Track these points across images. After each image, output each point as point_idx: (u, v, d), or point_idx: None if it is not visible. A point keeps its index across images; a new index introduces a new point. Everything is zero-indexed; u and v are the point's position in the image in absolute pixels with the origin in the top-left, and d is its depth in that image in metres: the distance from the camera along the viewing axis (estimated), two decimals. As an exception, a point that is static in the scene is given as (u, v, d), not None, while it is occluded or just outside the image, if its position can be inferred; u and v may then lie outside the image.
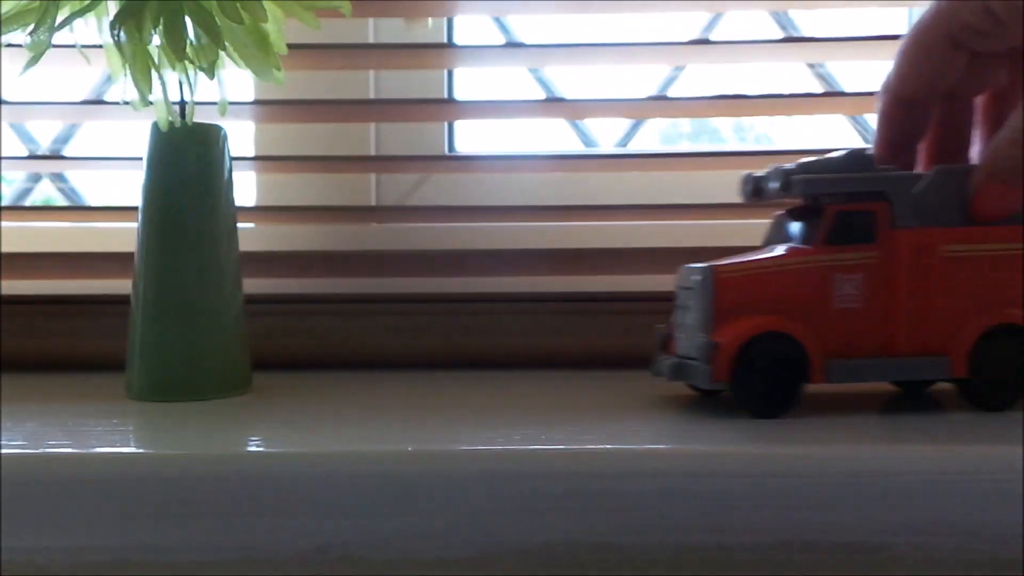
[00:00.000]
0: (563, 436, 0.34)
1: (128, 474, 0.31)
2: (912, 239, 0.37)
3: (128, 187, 0.66)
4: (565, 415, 0.38)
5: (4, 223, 0.57)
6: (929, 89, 0.36)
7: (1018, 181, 0.34)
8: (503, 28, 0.66)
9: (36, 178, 0.68)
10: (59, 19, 0.39)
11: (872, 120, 0.65)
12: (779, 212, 0.41)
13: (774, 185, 0.39)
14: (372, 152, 0.62)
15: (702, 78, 0.65)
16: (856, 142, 0.65)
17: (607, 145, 0.66)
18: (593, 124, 0.66)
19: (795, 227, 0.40)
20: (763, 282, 0.37)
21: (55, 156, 0.64)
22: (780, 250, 0.38)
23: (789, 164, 0.39)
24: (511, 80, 0.67)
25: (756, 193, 0.41)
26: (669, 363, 0.38)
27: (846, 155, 0.38)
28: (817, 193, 0.38)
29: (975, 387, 0.38)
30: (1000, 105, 0.38)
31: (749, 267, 0.38)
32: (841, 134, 0.65)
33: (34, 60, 0.40)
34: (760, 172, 0.40)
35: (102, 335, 0.52)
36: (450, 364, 0.53)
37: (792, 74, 0.64)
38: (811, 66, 0.64)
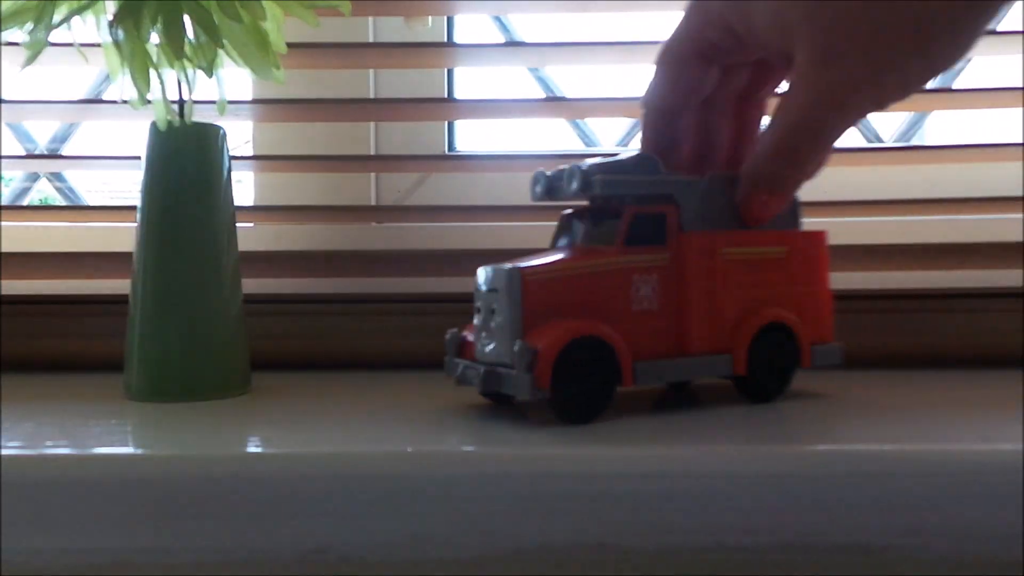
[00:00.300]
0: (560, 437, 0.34)
1: (127, 474, 0.31)
2: (697, 241, 0.38)
3: (128, 187, 0.66)
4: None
5: (4, 223, 0.57)
6: (684, 101, 0.38)
7: (777, 189, 0.36)
8: (503, 27, 0.65)
9: (34, 177, 0.68)
10: (57, 17, 0.39)
11: (872, 119, 0.65)
12: (566, 212, 0.41)
13: (574, 185, 0.38)
14: (372, 152, 0.62)
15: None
16: (857, 141, 0.65)
17: (607, 144, 0.66)
18: (593, 123, 0.66)
19: (582, 228, 0.40)
20: (568, 284, 0.36)
21: (53, 155, 0.64)
22: (576, 251, 0.38)
23: (582, 164, 0.38)
24: (511, 80, 0.67)
25: (549, 192, 0.40)
26: (477, 372, 0.36)
27: (636, 157, 0.38)
28: (615, 194, 0.38)
29: (749, 382, 0.40)
30: (749, 109, 0.40)
31: (555, 269, 0.36)
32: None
33: (32, 58, 0.40)
34: (551, 171, 0.40)
35: (101, 335, 0.52)
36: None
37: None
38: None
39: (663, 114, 0.38)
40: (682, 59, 0.36)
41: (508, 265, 0.36)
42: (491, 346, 0.37)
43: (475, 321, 0.38)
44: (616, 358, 0.36)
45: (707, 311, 0.39)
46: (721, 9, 0.34)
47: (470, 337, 0.39)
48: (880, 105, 0.33)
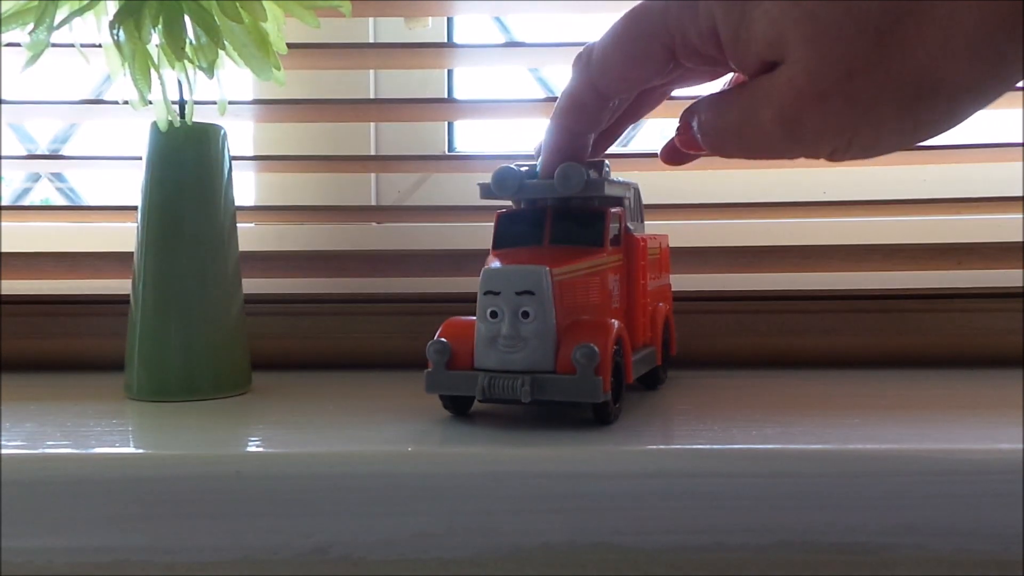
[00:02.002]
0: (560, 437, 0.34)
1: (128, 474, 0.31)
2: (637, 242, 0.41)
3: (128, 186, 0.66)
4: (556, 415, 0.38)
5: (4, 223, 0.57)
6: (631, 90, 0.35)
7: (702, 150, 0.35)
8: (503, 28, 0.65)
9: (35, 178, 0.68)
10: (58, 18, 0.39)
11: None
12: (504, 212, 0.40)
13: (574, 183, 0.36)
14: (372, 152, 0.62)
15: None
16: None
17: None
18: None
19: (544, 228, 0.39)
20: (580, 284, 0.36)
21: (54, 156, 0.64)
22: (562, 252, 0.37)
23: (529, 165, 0.38)
24: (511, 80, 0.67)
25: (520, 190, 0.38)
26: (515, 381, 0.34)
27: (588, 162, 0.38)
28: (592, 196, 0.38)
29: (655, 370, 0.43)
30: (649, 100, 0.39)
31: (571, 270, 0.36)
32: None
33: (33, 59, 0.40)
34: (519, 168, 0.38)
35: (102, 335, 0.52)
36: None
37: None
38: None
39: (601, 97, 0.35)
40: (647, 50, 0.33)
41: (534, 266, 0.35)
42: (522, 353, 0.34)
43: (483, 327, 0.35)
44: (626, 356, 0.36)
45: (644, 307, 0.41)
46: (712, 10, 0.31)
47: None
48: (834, 158, 0.31)
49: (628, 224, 0.41)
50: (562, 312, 0.35)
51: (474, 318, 0.36)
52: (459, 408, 0.38)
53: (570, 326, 0.35)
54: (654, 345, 0.42)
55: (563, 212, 0.39)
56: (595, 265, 0.37)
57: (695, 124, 0.34)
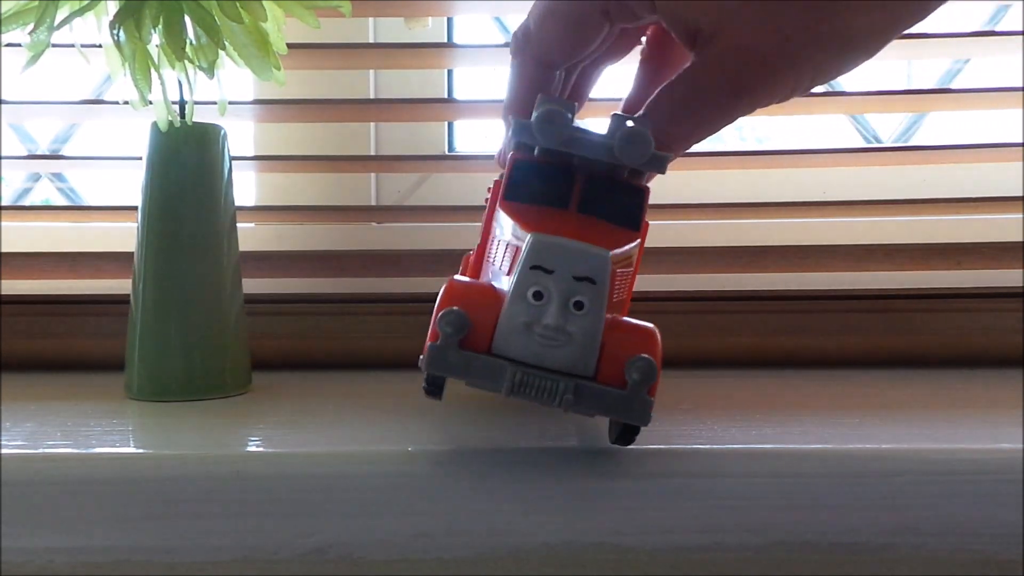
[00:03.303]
0: (560, 437, 0.34)
1: (128, 474, 0.31)
2: (647, 226, 0.34)
3: (128, 186, 0.66)
4: (557, 414, 0.38)
5: (4, 223, 0.57)
6: (574, 57, 0.36)
7: (672, 151, 0.34)
8: (503, 28, 0.65)
9: (35, 178, 0.68)
10: (58, 18, 0.39)
11: (872, 119, 0.65)
12: (519, 158, 0.33)
13: (640, 151, 0.31)
14: (372, 152, 0.62)
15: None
16: (856, 142, 0.65)
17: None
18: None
19: (573, 192, 0.33)
20: (622, 276, 0.32)
21: (54, 156, 0.64)
22: (593, 229, 0.31)
23: (562, 113, 0.31)
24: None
25: (570, 142, 0.31)
26: (555, 384, 0.28)
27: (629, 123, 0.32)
28: (628, 167, 0.32)
29: None
30: (590, 73, 0.40)
31: (619, 258, 0.30)
32: (841, 134, 0.65)
33: (33, 59, 0.40)
34: (561, 112, 0.31)
35: (102, 335, 0.52)
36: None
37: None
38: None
39: (543, 65, 0.36)
40: (584, 15, 0.34)
41: (599, 249, 0.28)
42: (564, 350, 0.28)
43: (519, 308, 0.28)
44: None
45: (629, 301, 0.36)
46: None
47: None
48: (784, 100, 0.33)
49: None
50: (608, 307, 0.29)
51: (488, 283, 0.30)
52: (436, 391, 0.31)
53: (611, 326, 0.29)
54: None
55: (598, 179, 0.32)
56: (633, 252, 0.32)
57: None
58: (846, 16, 0.31)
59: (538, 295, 0.28)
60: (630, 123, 0.31)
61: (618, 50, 0.39)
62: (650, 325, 0.30)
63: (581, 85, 0.40)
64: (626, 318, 0.30)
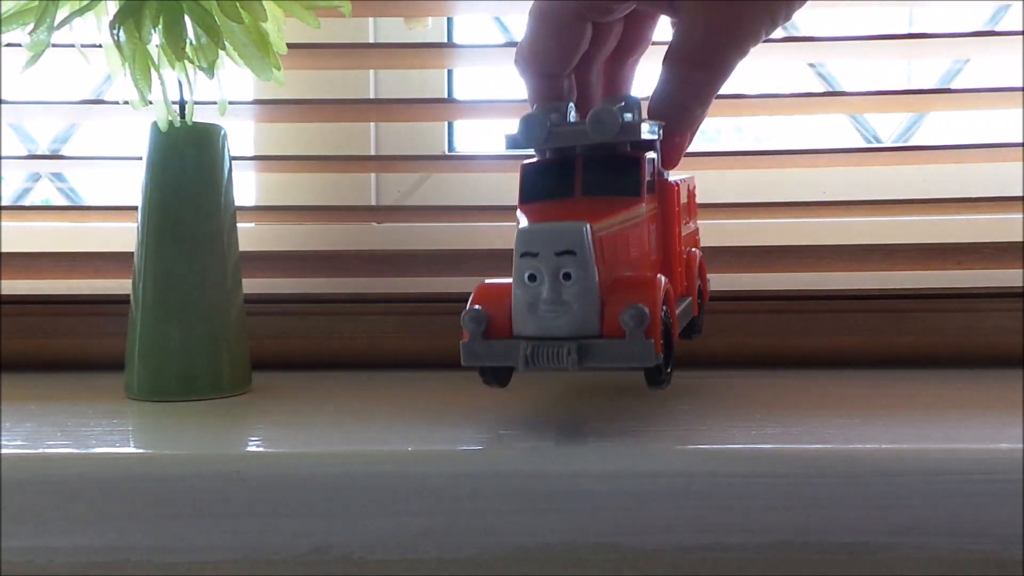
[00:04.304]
0: (560, 437, 0.34)
1: (128, 474, 0.31)
2: (674, 188, 0.38)
3: (128, 186, 0.66)
4: (558, 414, 0.38)
5: (4, 223, 0.57)
6: (566, 63, 0.37)
7: (690, 128, 0.37)
8: (503, 28, 0.65)
9: (35, 178, 0.68)
10: (58, 18, 0.39)
11: (872, 119, 0.65)
12: (530, 163, 0.37)
13: (608, 127, 0.34)
14: (372, 152, 0.62)
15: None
16: (856, 142, 0.65)
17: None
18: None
19: (575, 177, 0.36)
20: (621, 239, 0.34)
21: (54, 156, 0.64)
22: (599, 203, 0.34)
23: (561, 108, 0.36)
24: (511, 80, 0.67)
25: (549, 138, 0.35)
26: (561, 347, 0.31)
27: (624, 100, 0.36)
28: (624, 141, 0.35)
29: (693, 321, 0.40)
30: (621, 71, 0.41)
31: (612, 224, 0.33)
32: (841, 134, 0.65)
33: (33, 59, 0.40)
34: (547, 113, 0.35)
35: (102, 335, 0.52)
36: (450, 364, 0.53)
37: (792, 74, 0.64)
38: (811, 66, 0.64)
39: (545, 76, 0.37)
40: (562, 23, 0.36)
41: (573, 223, 0.32)
42: (566, 318, 0.31)
43: (521, 292, 0.32)
44: (671, 313, 0.34)
45: (680, 256, 0.39)
46: None
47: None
48: (769, 32, 0.35)
49: (660, 168, 0.38)
50: (605, 271, 0.32)
51: (509, 281, 0.33)
52: (500, 379, 0.35)
53: (613, 285, 0.32)
54: (691, 295, 0.40)
55: (594, 160, 0.36)
56: (634, 217, 0.35)
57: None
58: None
59: (532, 277, 0.32)
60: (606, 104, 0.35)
61: (636, 42, 0.40)
62: (658, 277, 0.33)
63: (616, 82, 0.41)
64: (630, 274, 0.33)
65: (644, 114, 0.37)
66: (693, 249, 0.41)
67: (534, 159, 0.37)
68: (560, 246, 0.31)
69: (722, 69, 0.35)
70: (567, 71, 0.38)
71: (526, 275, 0.32)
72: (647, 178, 0.36)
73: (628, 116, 0.35)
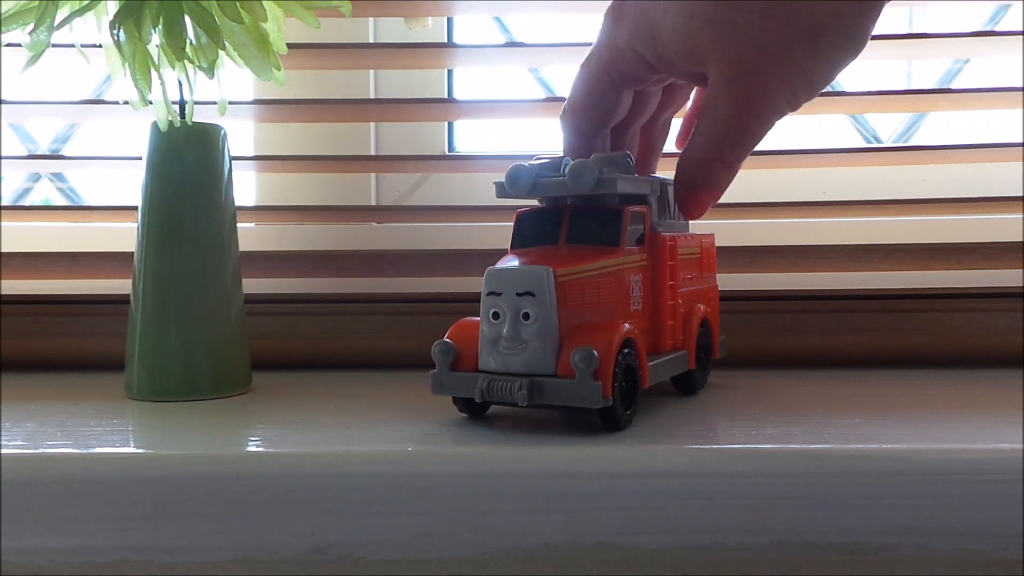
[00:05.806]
0: (560, 437, 0.34)
1: (128, 474, 0.31)
2: (667, 241, 0.39)
3: (128, 186, 0.66)
4: (557, 414, 0.38)
5: (4, 223, 0.57)
6: (604, 124, 0.40)
7: (714, 188, 0.38)
8: (503, 28, 0.65)
9: (35, 178, 0.68)
10: (58, 18, 0.39)
11: (872, 119, 0.65)
12: (524, 211, 0.39)
13: (586, 181, 0.36)
14: (372, 152, 0.62)
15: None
16: (856, 142, 0.65)
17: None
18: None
19: (561, 227, 0.38)
20: (590, 286, 0.35)
21: (54, 156, 0.64)
22: (577, 252, 0.36)
23: (551, 161, 0.38)
24: (511, 80, 0.67)
25: (534, 189, 0.37)
26: (513, 383, 0.33)
27: (614, 156, 0.38)
28: (608, 193, 0.37)
29: (685, 376, 0.41)
30: (654, 129, 0.44)
31: (580, 270, 0.35)
32: (841, 134, 0.65)
33: (33, 59, 0.40)
34: (532, 166, 0.37)
35: (102, 335, 0.52)
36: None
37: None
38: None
39: (582, 134, 0.40)
40: (599, 90, 0.39)
41: (535, 267, 0.34)
42: (523, 355, 0.34)
43: (486, 329, 0.34)
44: (639, 360, 0.35)
45: (671, 309, 0.40)
46: (630, 42, 0.37)
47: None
48: (793, 106, 0.36)
49: (655, 221, 0.39)
50: (567, 314, 0.34)
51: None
52: (473, 409, 0.37)
53: (574, 329, 0.34)
54: (686, 348, 0.41)
55: (581, 211, 0.38)
56: (608, 265, 0.36)
57: (685, 188, 0.38)
58: (804, 5, 0.34)
59: (495, 315, 0.34)
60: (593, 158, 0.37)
61: (669, 103, 0.43)
62: (621, 324, 0.34)
63: (648, 139, 0.44)
64: (595, 320, 0.35)
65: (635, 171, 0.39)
66: (700, 306, 0.42)
67: (531, 207, 0.40)
68: (521, 287, 0.34)
69: (746, 139, 0.36)
70: (602, 132, 0.40)
71: (491, 312, 0.34)
72: (632, 231, 0.38)
73: (607, 171, 0.36)
